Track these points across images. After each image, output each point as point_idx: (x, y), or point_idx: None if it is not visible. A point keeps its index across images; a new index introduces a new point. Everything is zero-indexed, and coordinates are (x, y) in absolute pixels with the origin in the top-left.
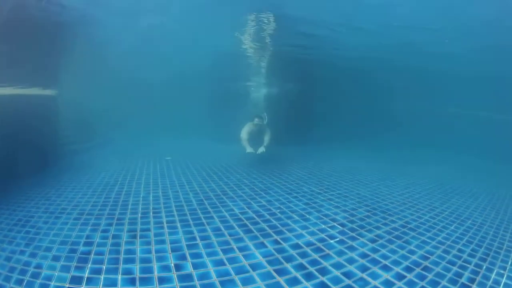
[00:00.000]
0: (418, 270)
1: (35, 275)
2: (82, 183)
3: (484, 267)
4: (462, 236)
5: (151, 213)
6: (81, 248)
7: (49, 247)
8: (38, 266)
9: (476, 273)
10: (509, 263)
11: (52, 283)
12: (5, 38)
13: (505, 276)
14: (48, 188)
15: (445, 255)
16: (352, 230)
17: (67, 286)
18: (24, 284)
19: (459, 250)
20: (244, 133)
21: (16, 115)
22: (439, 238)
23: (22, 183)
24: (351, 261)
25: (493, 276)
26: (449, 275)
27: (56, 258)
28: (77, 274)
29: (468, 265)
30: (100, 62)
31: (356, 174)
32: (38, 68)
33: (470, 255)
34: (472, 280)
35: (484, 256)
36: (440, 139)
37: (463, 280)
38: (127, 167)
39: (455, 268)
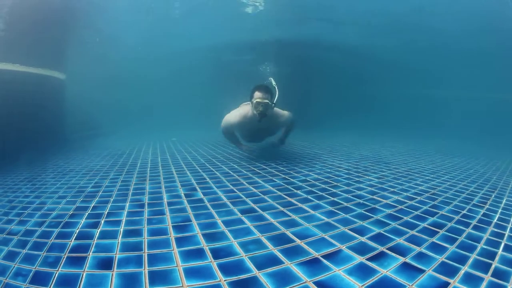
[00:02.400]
0: (427, 195)
1: (37, 209)
2: (89, 153)
3: (494, 195)
4: (466, 178)
5: (160, 167)
6: (89, 189)
7: (55, 191)
8: (42, 203)
9: (486, 198)
10: None
11: (55, 213)
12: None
13: None
14: (54, 159)
15: (452, 188)
16: (358, 172)
17: (71, 213)
18: (25, 215)
19: (465, 186)
20: (228, 124)
21: (26, 91)
22: (444, 178)
23: (27, 155)
24: (359, 188)
25: (504, 200)
26: (459, 198)
27: (61, 197)
28: (82, 205)
29: (477, 193)
30: (107, 54)
31: (357, 144)
32: (48, 49)
33: (477, 187)
34: (483, 202)
35: (491, 190)
36: (440, 119)
37: (474, 202)
38: (134, 144)
39: (464, 195)
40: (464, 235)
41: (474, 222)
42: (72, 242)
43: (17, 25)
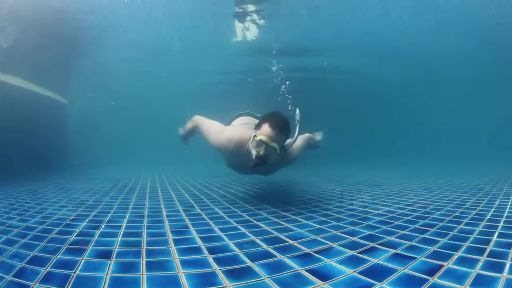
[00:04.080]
0: (418, 205)
1: (38, 212)
2: (89, 177)
3: (487, 199)
4: (458, 190)
5: (159, 190)
6: (90, 203)
7: (56, 201)
8: (43, 209)
9: (478, 203)
10: None
11: (56, 216)
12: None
13: (509, 203)
14: (55, 177)
15: (443, 198)
16: (351, 193)
17: (72, 217)
18: (26, 215)
19: (457, 196)
20: (217, 143)
21: (32, 109)
22: (436, 192)
23: (29, 170)
24: (352, 204)
25: (497, 202)
26: (451, 205)
27: (62, 206)
28: (83, 213)
29: (469, 200)
30: (108, 85)
31: (352, 172)
32: (53, 72)
33: (469, 196)
34: (476, 206)
35: (484, 196)
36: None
37: (466, 206)
38: (133, 173)
39: (455, 202)
40: (456, 230)
41: (466, 220)
42: (72, 238)
43: (25, 43)
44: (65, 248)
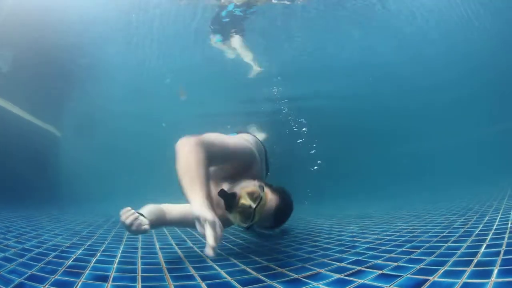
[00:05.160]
0: (406, 230)
1: (34, 237)
2: (83, 210)
3: (475, 218)
4: (447, 212)
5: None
6: (84, 233)
7: (50, 229)
8: (38, 235)
9: (466, 222)
10: (502, 211)
11: (51, 243)
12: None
13: (498, 217)
14: (48, 208)
15: (432, 222)
16: (340, 225)
17: (67, 245)
18: (22, 238)
19: (446, 218)
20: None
21: (22, 136)
22: (425, 217)
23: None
24: (340, 235)
25: (486, 218)
26: (439, 227)
27: (57, 235)
28: (78, 242)
29: (457, 220)
30: (102, 122)
31: (341, 207)
32: (48, 103)
33: (458, 216)
34: (464, 224)
35: (473, 214)
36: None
37: (454, 226)
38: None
39: (444, 224)
40: (443, 248)
41: (453, 238)
42: (69, 262)
43: (21, 71)
44: (62, 270)
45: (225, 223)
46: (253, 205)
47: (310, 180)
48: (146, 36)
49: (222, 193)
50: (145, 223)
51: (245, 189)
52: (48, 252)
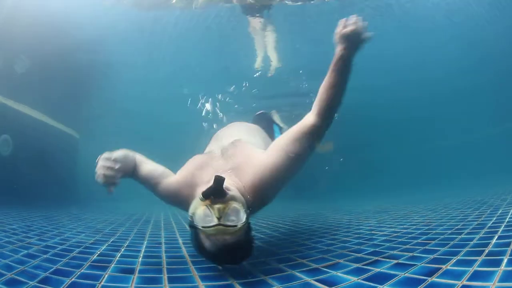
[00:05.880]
0: (422, 224)
1: (56, 235)
2: (102, 209)
3: (489, 211)
4: (462, 206)
5: (174, 223)
6: (107, 231)
7: (72, 228)
8: (60, 233)
9: (480, 215)
10: None
11: (74, 240)
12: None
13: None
14: (68, 208)
15: (447, 215)
16: (358, 220)
17: (91, 241)
18: (44, 236)
19: (461, 212)
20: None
21: (41, 139)
22: (441, 211)
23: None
24: (359, 228)
25: (499, 211)
26: (454, 220)
27: (80, 232)
28: (101, 239)
29: (472, 213)
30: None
31: (360, 202)
32: (67, 106)
33: (473, 210)
34: (478, 217)
35: (487, 208)
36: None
37: (468, 219)
38: (146, 208)
39: (459, 217)
40: (456, 240)
41: (467, 230)
42: (94, 257)
43: (38, 73)
44: (87, 264)
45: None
46: (218, 221)
47: (328, 175)
48: (163, 34)
49: (219, 180)
50: (116, 181)
51: (234, 202)
52: (72, 248)
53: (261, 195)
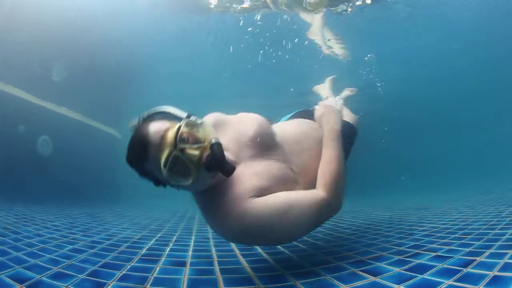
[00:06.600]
0: (460, 219)
1: (101, 231)
2: (145, 206)
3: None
4: (497, 203)
5: None
6: (153, 227)
7: (117, 224)
8: (105, 229)
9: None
10: None
11: (121, 235)
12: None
13: None
14: (110, 206)
15: (484, 211)
16: (399, 216)
17: (137, 237)
18: (89, 232)
19: (495, 209)
20: None
21: (85, 141)
22: (478, 208)
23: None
24: (400, 224)
25: None
26: (489, 216)
27: (125, 228)
28: (148, 234)
29: (506, 209)
30: None
31: (400, 198)
32: (108, 106)
33: (508, 206)
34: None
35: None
36: None
37: (502, 215)
38: (189, 206)
39: (494, 213)
40: (490, 234)
41: (500, 226)
42: (143, 251)
43: (78, 78)
44: (137, 258)
45: None
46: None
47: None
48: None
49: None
50: None
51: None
52: (119, 243)
53: None
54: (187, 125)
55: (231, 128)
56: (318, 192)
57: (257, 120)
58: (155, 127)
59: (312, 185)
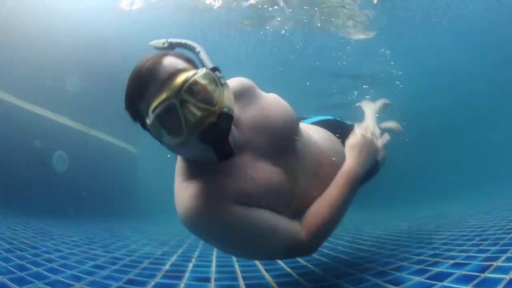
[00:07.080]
0: (477, 226)
1: (122, 247)
2: (163, 221)
3: None
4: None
5: None
6: (173, 243)
7: (136, 240)
8: (125, 245)
9: None
10: None
11: (142, 251)
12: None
13: None
14: (127, 221)
15: (499, 216)
16: (418, 225)
17: (159, 253)
18: (109, 248)
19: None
20: None
21: (101, 158)
22: (494, 212)
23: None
24: (419, 233)
25: None
26: (505, 220)
27: (145, 244)
28: (169, 250)
29: None
30: None
31: (416, 208)
32: (122, 119)
33: None
34: None
35: None
36: None
37: None
38: None
39: (509, 218)
40: (506, 239)
41: None
42: (166, 267)
43: (94, 93)
44: (161, 274)
45: None
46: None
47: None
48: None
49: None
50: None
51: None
52: (141, 259)
53: None
54: (205, 77)
55: (255, 106)
56: (300, 233)
57: (289, 113)
58: (169, 61)
59: (301, 210)
